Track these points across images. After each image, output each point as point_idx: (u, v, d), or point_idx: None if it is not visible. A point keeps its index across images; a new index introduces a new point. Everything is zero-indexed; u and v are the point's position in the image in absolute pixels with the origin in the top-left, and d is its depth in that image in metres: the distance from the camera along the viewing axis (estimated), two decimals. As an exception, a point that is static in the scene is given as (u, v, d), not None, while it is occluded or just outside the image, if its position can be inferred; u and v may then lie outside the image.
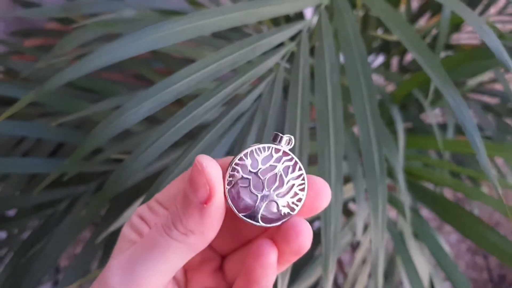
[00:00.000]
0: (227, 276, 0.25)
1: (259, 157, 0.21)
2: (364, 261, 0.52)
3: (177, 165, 0.34)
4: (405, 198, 0.50)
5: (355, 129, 0.70)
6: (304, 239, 0.20)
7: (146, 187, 0.45)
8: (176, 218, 0.20)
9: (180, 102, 0.34)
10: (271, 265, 0.20)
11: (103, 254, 0.54)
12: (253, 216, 0.20)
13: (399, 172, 0.49)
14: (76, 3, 0.49)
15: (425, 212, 1.07)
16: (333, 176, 0.35)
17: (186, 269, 0.25)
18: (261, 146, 0.21)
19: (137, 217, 0.23)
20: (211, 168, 0.19)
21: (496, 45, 0.34)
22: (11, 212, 0.65)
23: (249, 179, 0.20)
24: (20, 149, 0.61)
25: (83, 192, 0.56)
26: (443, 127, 0.64)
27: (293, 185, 0.21)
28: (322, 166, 0.35)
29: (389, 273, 0.56)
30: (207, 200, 0.19)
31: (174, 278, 0.24)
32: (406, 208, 0.50)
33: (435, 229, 0.58)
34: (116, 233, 0.46)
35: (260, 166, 0.21)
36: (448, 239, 1.18)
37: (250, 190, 0.20)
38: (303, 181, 0.21)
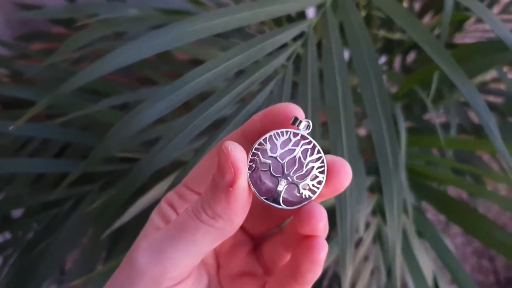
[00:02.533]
0: (264, 260, 0.25)
1: (277, 141, 0.21)
2: (366, 258, 0.52)
3: (194, 163, 0.34)
4: (407, 195, 0.50)
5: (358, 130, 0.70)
6: (316, 222, 0.20)
7: (151, 184, 0.45)
8: (205, 202, 0.20)
9: (185, 103, 0.35)
10: (320, 261, 0.21)
11: (107, 252, 0.55)
12: (275, 199, 0.21)
13: (401, 169, 0.49)
14: (79, 4, 0.50)
15: (430, 215, 1.07)
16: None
17: (218, 254, 0.26)
18: (279, 131, 0.21)
19: (166, 204, 0.24)
20: (235, 152, 0.19)
21: (507, 34, 0.34)
22: (17, 213, 0.66)
23: (269, 163, 0.21)
24: (27, 150, 0.62)
25: (88, 191, 0.57)
26: (446, 127, 0.64)
27: (313, 167, 0.21)
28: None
29: (391, 271, 0.56)
30: (232, 183, 0.19)
31: (204, 263, 0.25)
32: (409, 205, 0.50)
33: (441, 232, 0.58)
34: (121, 230, 0.46)
35: (279, 150, 0.21)
36: (454, 242, 1.17)
37: (270, 173, 0.21)
38: (322, 164, 0.21)
